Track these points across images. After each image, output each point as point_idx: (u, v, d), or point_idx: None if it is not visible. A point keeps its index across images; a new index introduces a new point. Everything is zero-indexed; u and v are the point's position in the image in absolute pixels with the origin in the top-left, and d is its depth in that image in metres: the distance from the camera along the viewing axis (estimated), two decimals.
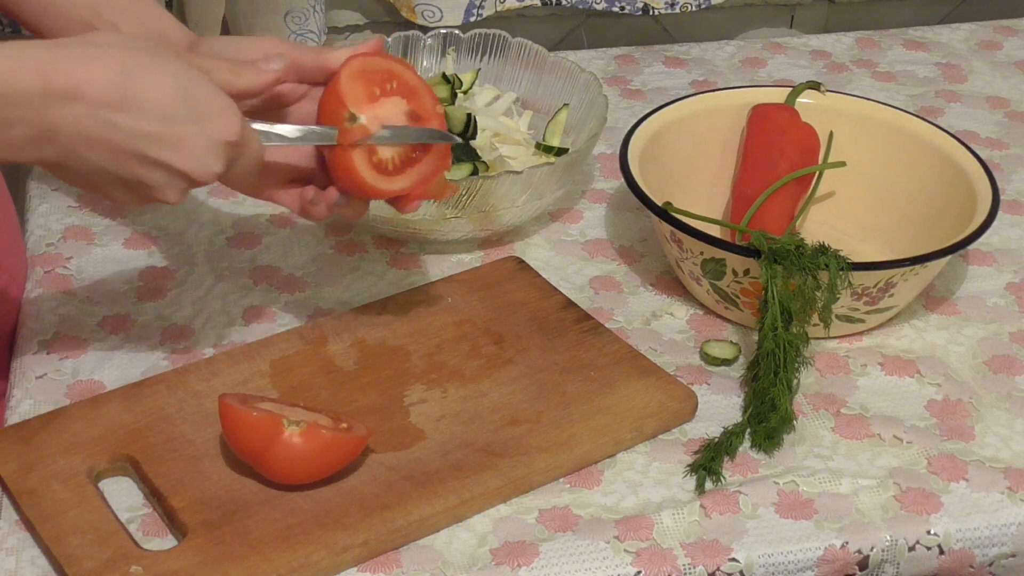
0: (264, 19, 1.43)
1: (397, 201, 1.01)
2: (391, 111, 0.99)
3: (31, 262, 1.17)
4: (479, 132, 1.24)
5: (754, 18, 1.64)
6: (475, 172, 1.19)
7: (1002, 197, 1.20)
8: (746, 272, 1.08)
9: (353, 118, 0.97)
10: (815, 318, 1.07)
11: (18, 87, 0.85)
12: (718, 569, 0.93)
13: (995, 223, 1.12)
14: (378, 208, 1.15)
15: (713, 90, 1.27)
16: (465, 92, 1.30)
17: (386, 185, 0.99)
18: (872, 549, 0.95)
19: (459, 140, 1.01)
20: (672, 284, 1.18)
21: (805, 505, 0.97)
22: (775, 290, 1.04)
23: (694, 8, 1.55)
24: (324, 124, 0.98)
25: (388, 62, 1.00)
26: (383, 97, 0.99)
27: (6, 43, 0.86)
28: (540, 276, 1.15)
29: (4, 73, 0.85)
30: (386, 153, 0.98)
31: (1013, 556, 0.98)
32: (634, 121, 1.21)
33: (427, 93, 1.00)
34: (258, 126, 0.95)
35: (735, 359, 1.10)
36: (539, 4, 1.52)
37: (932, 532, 0.96)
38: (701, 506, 0.97)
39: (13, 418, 1.02)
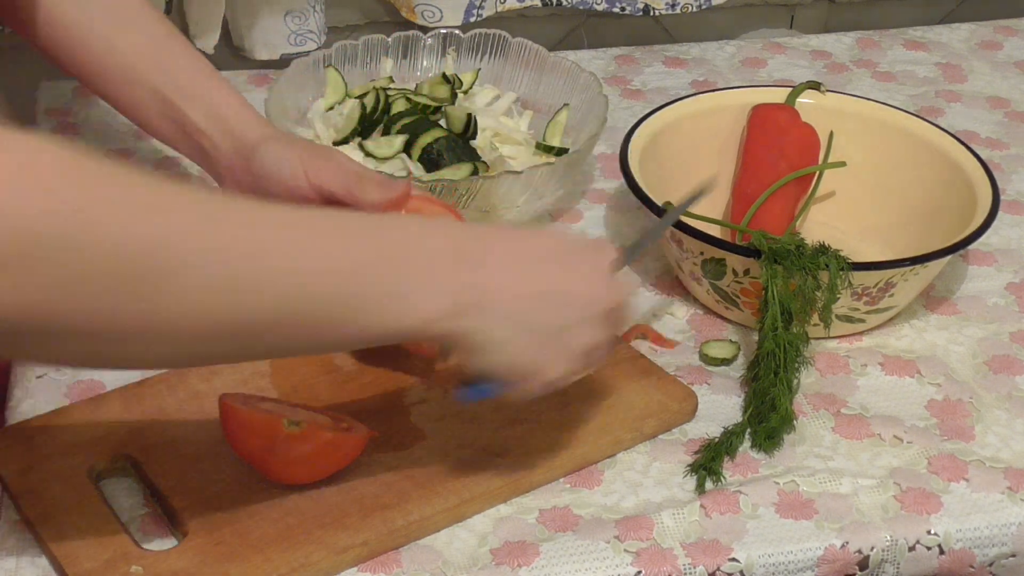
0: (264, 19, 1.44)
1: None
2: None
3: None
4: (479, 132, 1.24)
5: (754, 18, 1.64)
6: (475, 172, 1.19)
7: (1002, 197, 1.20)
8: (746, 272, 1.08)
9: None
10: (815, 318, 1.07)
11: (433, 248, 0.83)
12: (718, 569, 0.93)
13: (995, 223, 1.12)
14: None
15: (713, 90, 1.27)
16: (465, 92, 1.30)
17: None
18: (872, 549, 0.95)
19: None
20: (672, 284, 1.18)
21: (805, 505, 0.97)
22: (775, 290, 1.04)
23: (694, 8, 1.55)
24: None
25: (433, 207, 1.02)
26: None
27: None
28: None
29: (421, 236, 0.83)
30: None
31: (1013, 556, 0.98)
32: (634, 121, 1.21)
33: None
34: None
35: (734, 358, 1.10)
36: (539, 4, 1.52)
37: (932, 532, 0.96)
38: (701, 506, 0.97)
39: (13, 418, 1.02)
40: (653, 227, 1.04)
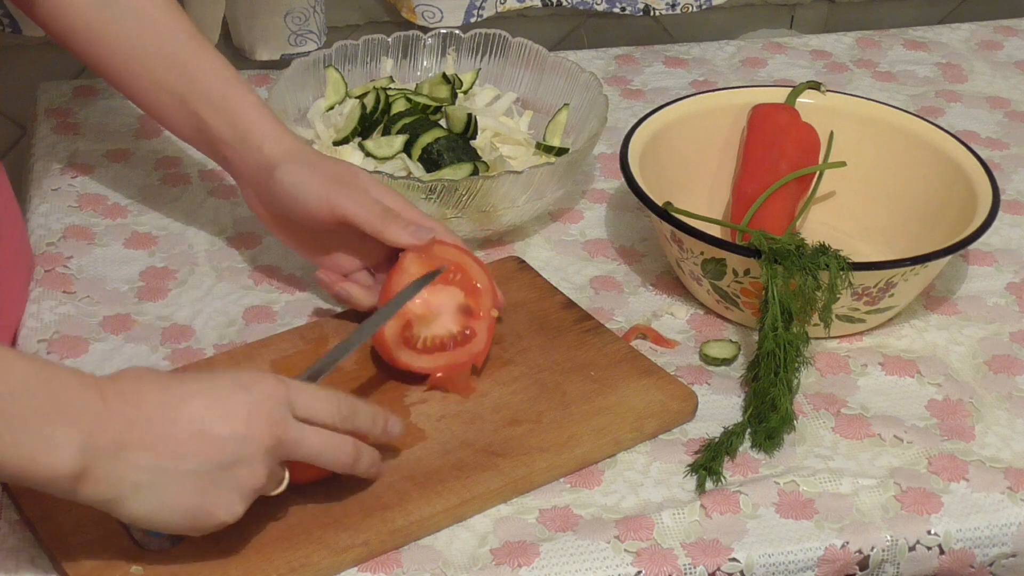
0: (264, 19, 1.43)
1: (414, 374, 1.03)
2: (444, 300, 1.04)
3: (31, 262, 1.17)
4: (479, 132, 1.24)
5: (754, 18, 1.64)
6: (475, 172, 1.19)
7: (1002, 197, 1.20)
8: (746, 272, 1.08)
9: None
10: (815, 318, 1.07)
11: (76, 399, 0.81)
12: (718, 569, 0.93)
13: (995, 223, 1.12)
14: None
15: (713, 90, 1.27)
16: (465, 92, 1.30)
17: (408, 359, 1.03)
18: (872, 549, 0.95)
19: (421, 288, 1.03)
20: (672, 284, 1.18)
21: (805, 505, 0.97)
22: (775, 290, 1.04)
23: (695, 8, 1.55)
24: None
25: (456, 254, 1.05)
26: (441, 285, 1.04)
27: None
28: (540, 276, 1.15)
29: (64, 387, 0.81)
30: (420, 331, 1.03)
31: (1013, 556, 0.98)
32: (634, 121, 1.21)
33: (487, 292, 1.05)
34: None
35: (734, 358, 1.10)
36: (539, 4, 1.52)
37: (932, 532, 0.96)
38: (701, 506, 0.97)
39: None
40: (343, 345, 0.98)
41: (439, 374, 1.03)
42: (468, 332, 1.04)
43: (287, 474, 0.89)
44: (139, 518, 0.85)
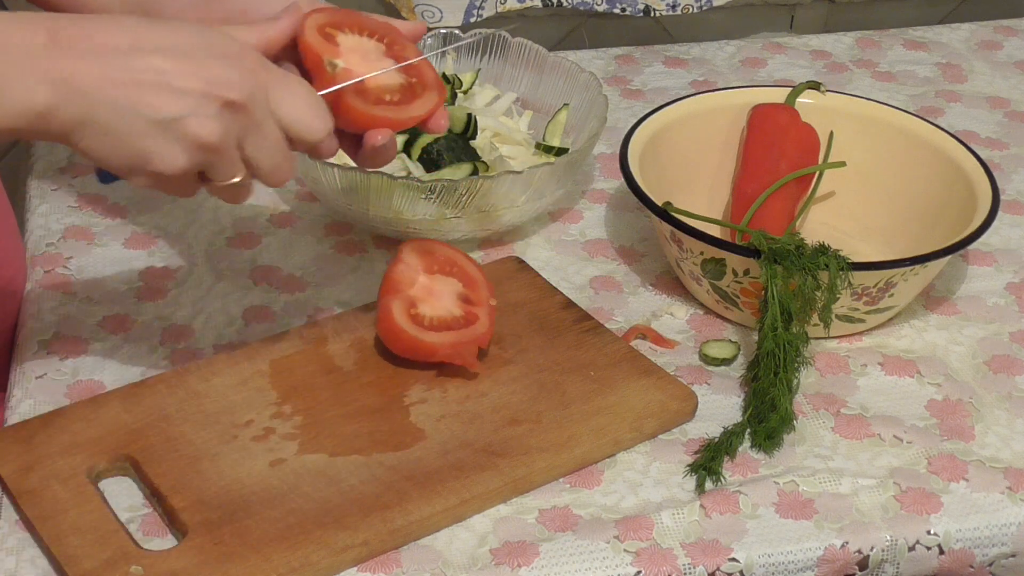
0: None
1: (422, 352, 1.03)
2: (444, 287, 1.05)
3: (31, 262, 1.17)
4: (479, 132, 1.24)
5: (754, 18, 1.64)
6: (475, 172, 1.19)
7: (1002, 197, 1.20)
8: (746, 272, 1.08)
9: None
10: (815, 318, 1.07)
11: (23, 41, 0.81)
12: (718, 569, 0.93)
13: (995, 223, 1.12)
14: (378, 208, 1.15)
15: (713, 90, 1.27)
16: (465, 92, 1.30)
17: (417, 334, 1.03)
18: (872, 549, 0.95)
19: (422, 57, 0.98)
20: (672, 284, 1.18)
21: (805, 505, 0.97)
22: (775, 290, 1.04)
23: (695, 9, 1.55)
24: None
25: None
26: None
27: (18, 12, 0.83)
28: (540, 276, 1.15)
29: (9, 31, 0.81)
30: (425, 311, 1.04)
31: (1013, 556, 0.98)
32: (634, 121, 1.21)
33: (483, 284, 1.06)
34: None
35: (734, 358, 1.10)
36: (539, 4, 1.52)
37: (932, 532, 0.96)
38: (701, 506, 0.97)
39: (13, 418, 1.02)
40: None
41: (447, 350, 1.03)
42: (470, 316, 1.05)
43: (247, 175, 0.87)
44: (91, 154, 0.84)
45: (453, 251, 1.08)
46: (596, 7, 1.53)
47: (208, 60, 0.84)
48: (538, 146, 1.25)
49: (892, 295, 1.09)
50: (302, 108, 0.88)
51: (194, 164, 0.85)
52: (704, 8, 1.56)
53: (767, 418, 1.02)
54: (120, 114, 0.83)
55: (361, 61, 0.95)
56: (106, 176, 0.89)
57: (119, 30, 0.84)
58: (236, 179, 0.88)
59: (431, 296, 1.05)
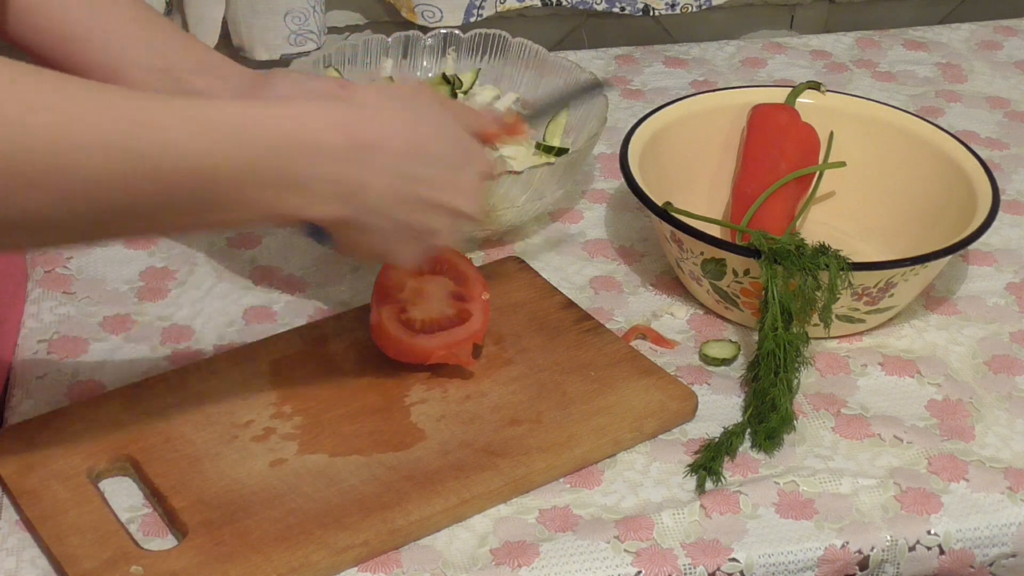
0: (264, 19, 1.43)
1: (418, 355, 1.04)
2: (434, 288, 1.07)
3: (31, 262, 1.17)
4: None
5: (754, 18, 1.64)
6: None
7: (1002, 197, 1.20)
8: (746, 272, 1.08)
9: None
10: (815, 318, 1.07)
11: (327, 142, 0.85)
12: (718, 569, 0.93)
13: (995, 223, 1.12)
14: None
15: (713, 90, 1.27)
16: (465, 92, 1.30)
17: (409, 340, 1.03)
18: (872, 549, 0.95)
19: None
20: (672, 284, 1.18)
21: (805, 505, 0.97)
22: (775, 290, 1.04)
23: (694, 8, 1.55)
24: None
25: None
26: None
27: (262, 104, 0.88)
28: (540, 276, 1.15)
29: (315, 127, 0.85)
30: (416, 314, 1.04)
31: (1013, 556, 0.98)
32: (634, 121, 1.21)
33: (475, 280, 1.07)
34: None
35: (734, 358, 1.10)
36: (539, 4, 1.52)
37: (932, 532, 0.96)
38: (701, 506, 0.97)
39: (13, 418, 1.02)
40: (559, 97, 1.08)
41: (440, 352, 1.03)
42: (463, 313, 1.04)
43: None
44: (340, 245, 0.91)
45: (443, 249, 1.06)
46: (596, 7, 1.53)
47: (463, 175, 0.93)
48: (538, 146, 1.25)
49: (892, 295, 1.09)
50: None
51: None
52: (704, 8, 1.55)
53: (767, 418, 1.02)
54: (391, 224, 0.90)
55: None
56: (320, 236, 0.92)
57: (403, 128, 0.90)
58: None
59: (421, 298, 1.05)
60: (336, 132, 0.86)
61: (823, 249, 1.06)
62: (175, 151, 0.80)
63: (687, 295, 1.16)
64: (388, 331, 1.03)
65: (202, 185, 0.81)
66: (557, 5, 1.53)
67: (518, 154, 1.24)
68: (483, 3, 1.49)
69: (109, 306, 1.13)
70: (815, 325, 1.07)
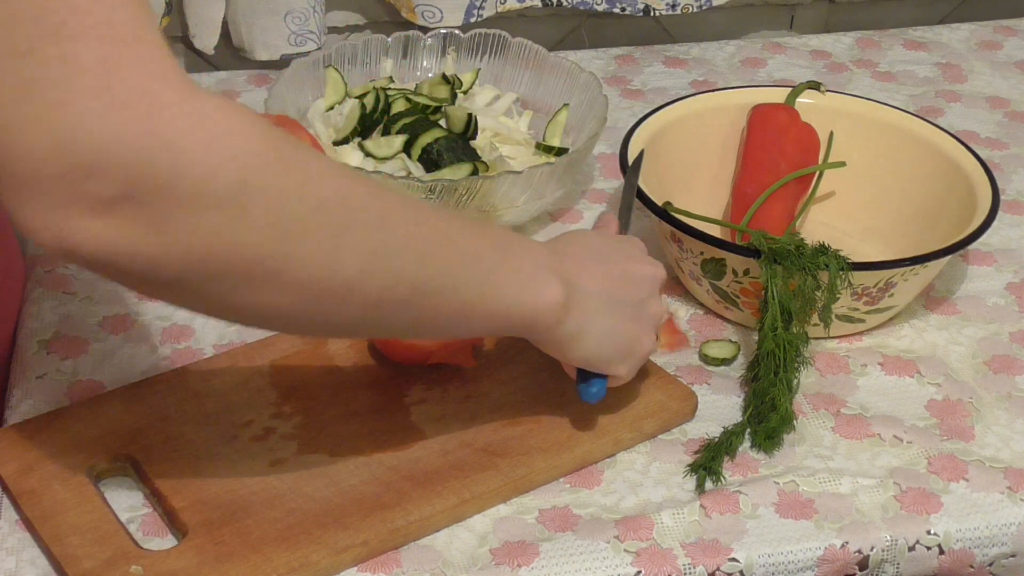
0: (264, 19, 1.43)
1: (417, 355, 1.05)
2: None
3: (31, 262, 1.17)
4: (479, 132, 1.24)
5: (754, 18, 1.64)
6: (475, 172, 1.19)
7: (1002, 197, 1.20)
8: (746, 272, 1.08)
9: None
10: (815, 318, 1.07)
11: (533, 250, 0.92)
12: (718, 569, 0.93)
13: (995, 223, 1.12)
14: None
15: (713, 90, 1.27)
16: (465, 92, 1.30)
17: (410, 340, 1.04)
18: (872, 549, 0.95)
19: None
20: (672, 284, 1.17)
21: (805, 505, 0.97)
22: (775, 290, 1.04)
23: (695, 9, 1.55)
24: None
25: None
26: None
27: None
28: None
29: (522, 241, 0.93)
30: None
31: (1013, 556, 0.98)
32: (634, 121, 1.21)
33: None
34: None
35: (733, 358, 1.10)
36: (539, 4, 1.52)
37: (932, 532, 0.96)
38: (701, 506, 0.97)
39: (13, 418, 1.02)
40: (626, 189, 1.12)
41: (440, 352, 1.03)
42: None
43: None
44: (588, 352, 0.95)
45: None
46: (596, 7, 1.53)
47: (627, 261, 0.98)
48: (538, 146, 1.25)
49: (892, 295, 1.09)
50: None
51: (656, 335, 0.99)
52: (704, 8, 1.55)
53: (767, 418, 1.02)
54: (608, 304, 0.94)
55: None
56: (591, 392, 0.98)
57: (577, 242, 0.97)
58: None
59: None
60: (541, 246, 0.93)
61: (823, 249, 1.06)
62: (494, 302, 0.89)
63: (687, 295, 1.16)
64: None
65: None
66: (557, 5, 1.53)
67: (518, 154, 1.24)
68: (483, 3, 1.49)
69: (109, 306, 1.13)
70: (815, 325, 1.07)
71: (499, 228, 0.97)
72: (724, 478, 0.99)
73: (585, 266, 0.94)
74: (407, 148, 1.21)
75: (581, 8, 1.53)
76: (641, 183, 1.12)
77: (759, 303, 1.06)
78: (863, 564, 0.95)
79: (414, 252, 0.82)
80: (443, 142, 1.20)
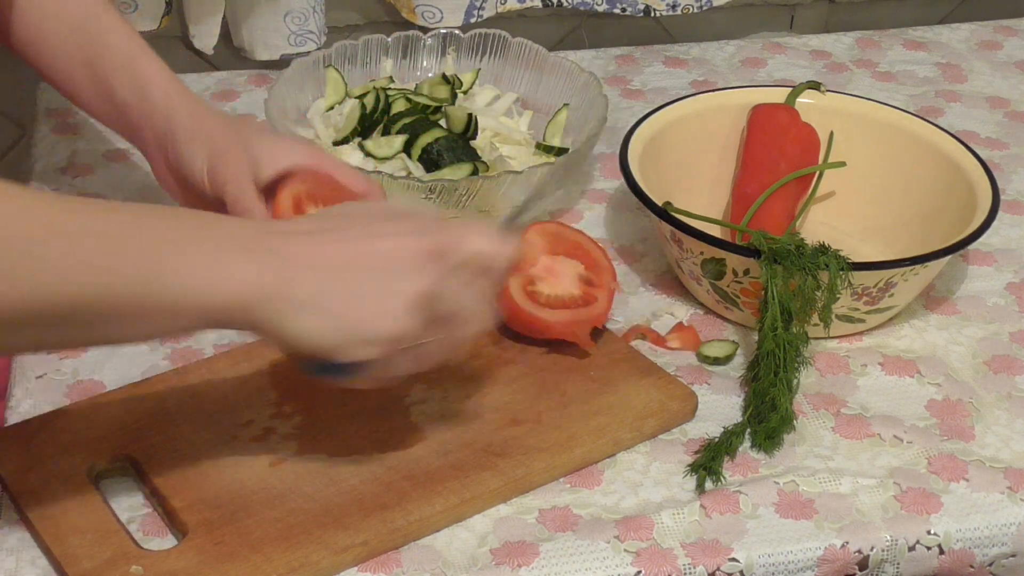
0: (264, 19, 1.44)
1: (537, 328, 1.06)
2: (565, 268, 1.09)
3: None
4: (479, 132, 1.24)
5: (754, 18, 1.64)
6: (475, 172, 1.19)
7: (1002, 197, 1.20)
8: (746, 272, 1.08)
9: None
10: (815, 318, 1.07)
11: (233, 229, 0.86)
12: (718, 569, 0.93)
13: (995, 223, 1.12)
14: None
15: (713, 90, 1.27)
16: (465, 92, 1.30)
17: (533, 311, 1.05)
18: (872, 549, 0.95)
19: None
20: (672, 284, 1.18)
21: (805, 505, 0.97)
22: (775, 290, 1.04)
23: (695, 9, 1.55)
24: None
25: (574, 233, 1.11)
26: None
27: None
28: None
29: (220, 221, 0.86)
30: (543, 288, 1.06)
31: (1013, 556, 0.98)
32: (634, 121, 1.21)
33: (606, 269, 1.09)
34: None
35: (728, 358, 1.10)
36: (539, 4, 1.52)
37: (932, 532, 0.96)
38: (701, 506, 0.97)
39: (13, 418, 1.02)
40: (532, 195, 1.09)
41: (560, 328, 1.05)
42: (589, 297, 1.07)
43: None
44: (306, 335, 0.84)
45: (579, 235, 1.11)
46: (596, 7, 1.53)
47: (397, 218, 0.88)
48: (538, 146, 1.25)
49: (892, 295, 1.09)
50: (486, 236, 0.89)
51: (419, 322, 0.86)
52: (704, 8, 1.55)
53: (767, 418, 1.02)
54: (341, 281, 0.84)
55: None
56: (321, 368, 0.88)
57: (324, 217, 0.89)
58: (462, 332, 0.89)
59: (551, 275, 1.07)
60: (248, 224, 0.88)
61: (823, 249, 1.06)
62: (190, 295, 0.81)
63: (687, 295, 1.16)
64: (513, 300, 1.05)
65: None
66: (557, 5, 1.53)
67: (518, 154, 1.24)
68: (483, 3, 1.49)
69: None
70: (815, 325, 1.07)
71: (181, 213, 0.88)
72: (724, 478, 0.99)
73: (315, 240, 0.85)
74: (407, 148, 1.21)
75: (581, 8, 1.53)
76: (641, 183, 1.12)
77: (759, 303, 1.06)
78: (863, 564, 0.95)
79: (61, 267, 0.77)
80: (443, 142, 1.20)
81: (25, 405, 1.03)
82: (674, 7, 1.55)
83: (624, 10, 1.54)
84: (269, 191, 1.03)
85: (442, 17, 1.47)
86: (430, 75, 1.33)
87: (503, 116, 1.29)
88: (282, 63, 1.39)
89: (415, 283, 0.85)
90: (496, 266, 0.89)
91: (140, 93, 1.05)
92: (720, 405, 1.05)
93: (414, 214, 0.89)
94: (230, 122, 1.06)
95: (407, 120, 1.23)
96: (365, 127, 1.24)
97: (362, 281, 0.84)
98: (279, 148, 1.04)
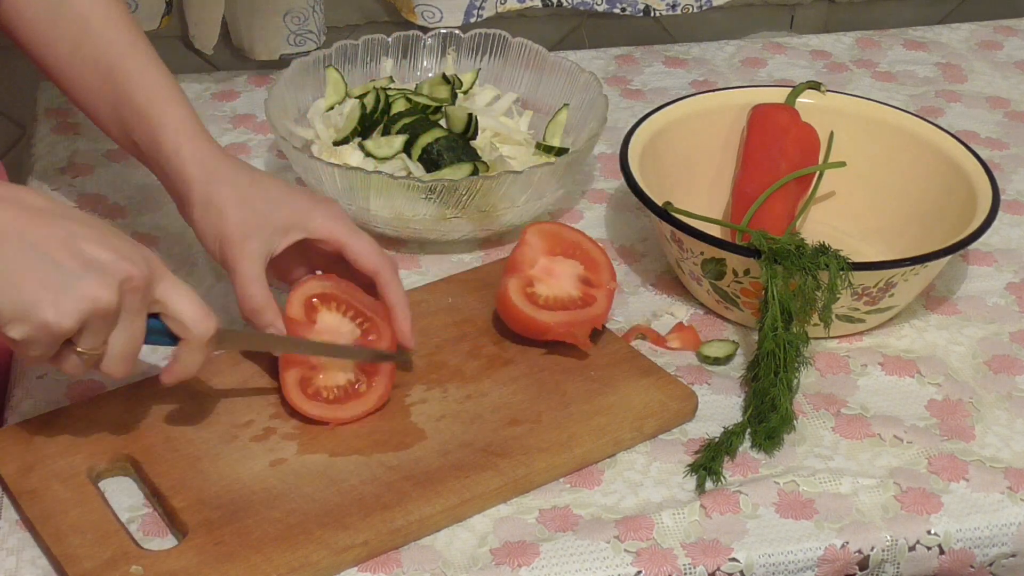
0: (264, 19, 1.44)
1: (535, 330, 1.06)
2: (565, 269, 1.09)
3: None
4: (479, 132, 1.24)
5: (754, 18, 1.64)
6: (475, 172, 1.19)
7: (1002, 197, 1.20)
8: (746, 272, 1.08)
9: None
10: (815, 318, 1.07)
11: None
12: (718, 569, 0.93)
13: (995, 223, 1.12)
14: (379, 208, 1.16)
15: (713, 90, 1.27)
16: (465, 92, 1.30)
17: (531, 312, 1.05)
18: (872, 549, 0.95)
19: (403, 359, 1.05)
20: (672, 284, 1.18)
21: (805, 505, 0.97)
22: (775, 290, 1.04)
23: (695, 9, 1.55)
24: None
25: (573, 232, 1.11)
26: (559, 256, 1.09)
27: None
28: None
29: None
30: (541, 290, 1.07)
31: (1013, 556, 0.98)
32: (634, 121, 1.21)
33: (605, 268, 1.09)
34: None
35: (728, 358, 1.10)
36: (539, 4, 1.52)
37: (932, 532, 0.96)
38: (701, 506, 0.97)
39: (13, 418, 1.02)
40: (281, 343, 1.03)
41: (559, 329, 1.05)
42: (588, 297, 1.07)
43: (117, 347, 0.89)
44: None
45: (578, 235, 1.10)
46: (596, 7, 1.53)
47: (114, 238, 0.88)
48: (538, 146, 1.25)
49: (892, 295, 1.09)
50: (194, 304, 0.92)
51: (78, 324, 0.86)
52: (704, 8, 1.56)
53: (767, 418, 1.02)
54: (25, 254, 0.85)
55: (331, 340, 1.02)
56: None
57: (39, 196, 0.88)
58: (93, 352, 0.89)
59: (550, 276, 1.08)
60: None
61: (823, 249, 1.06)
62: None
63: (687, 295, 1.16)
64: (511, 301, 1.05)
65: None
66: (557, 5, 1.53)
67: (518, 154, 1.24)
68: (483, 3, 1.49)
69: None
70: (815, 325, 1.07)
71: None
72: (724, 478, 0.99)
73: (12, 210, 0.86)
74: (407, 148, 1.21)
75: (581, 8, 1.53)
76: (641, 183, 1.12)
77: (759, 303, 1.06)
78: (863, 564, 0.95)
79: None
80: (443, 142, 1.20)
81: (25, 405, 1.03)
82: (674, 7, 1.55)
83: (624, 10, 1.54)
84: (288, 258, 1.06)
85: (442, 17, 1.47)
86: (430, 75, 1.33)
87: (503, 116, 1.29)
88: (282, 63, 1.38)
89: (97, 292, 0.86)
90: (196, 332, 0.92)
91: (155, 146, 1.06)
92: (720, 405, 1.05)
93: (149, 261, 0.90)
94: (243, 193, 1.04)
95: (407, 120, 1.23)
96: (365, 127, 1.24)
97: (52, 267, 0.85)
98: (296, 217, 1.04)
